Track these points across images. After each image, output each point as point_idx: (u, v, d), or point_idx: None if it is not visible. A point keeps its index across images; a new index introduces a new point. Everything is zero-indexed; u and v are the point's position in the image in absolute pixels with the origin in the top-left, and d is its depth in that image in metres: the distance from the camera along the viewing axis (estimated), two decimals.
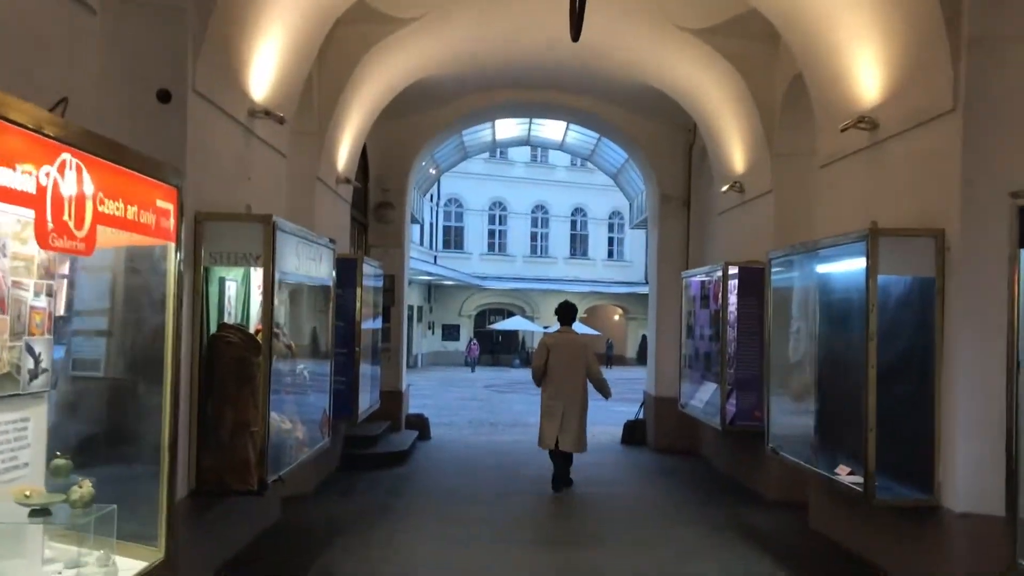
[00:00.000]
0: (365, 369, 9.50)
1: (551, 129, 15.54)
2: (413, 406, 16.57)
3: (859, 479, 6.00)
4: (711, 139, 10.65)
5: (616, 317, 51.42)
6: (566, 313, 10.00)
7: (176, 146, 5.21)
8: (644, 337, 50.93)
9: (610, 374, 34.58)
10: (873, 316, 5.64)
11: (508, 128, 15.65)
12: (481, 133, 15.45)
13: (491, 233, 49.08)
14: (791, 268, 7.65)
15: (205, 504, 5.72)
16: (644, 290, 49.77)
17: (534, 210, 49.64)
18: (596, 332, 46.07)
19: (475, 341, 43.25)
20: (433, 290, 45.94)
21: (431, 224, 45.84)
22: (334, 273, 7.51)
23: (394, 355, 12.58)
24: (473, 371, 38.82)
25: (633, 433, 13.52)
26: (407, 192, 12.86)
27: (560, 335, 9.91)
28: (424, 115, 12.57)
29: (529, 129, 15.60)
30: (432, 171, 17.13)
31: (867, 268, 5.66)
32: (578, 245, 50.83)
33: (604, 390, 9.98)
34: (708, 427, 10.72)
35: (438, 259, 45.01)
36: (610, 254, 51.52)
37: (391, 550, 6.88)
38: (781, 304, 7.83)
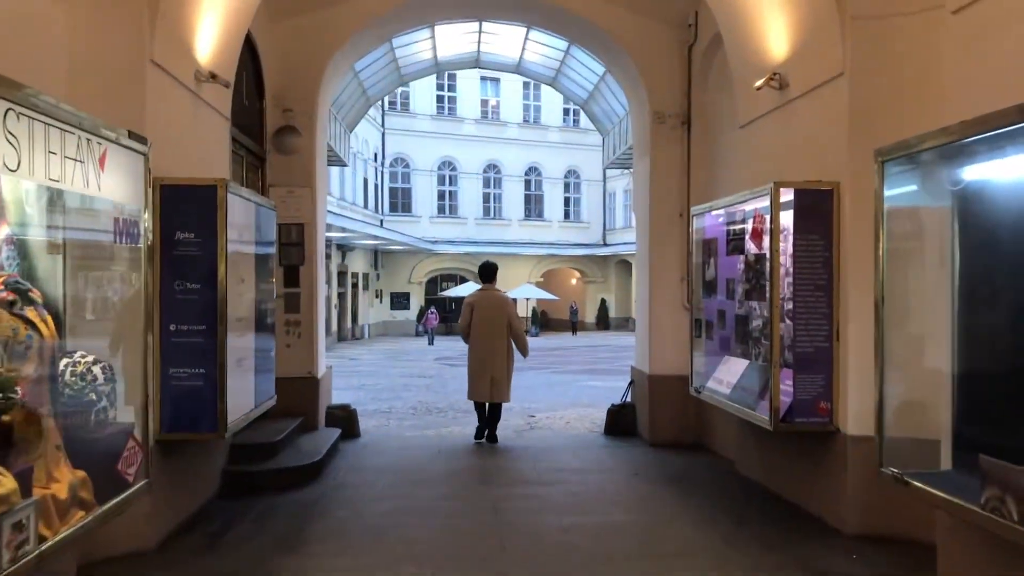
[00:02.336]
0: (242, 351, 6.40)
1: (506, 42, 12.40)
2: (345, 388, 13.60)
3: None
4: (731, 16, 7.64)
5: (574, 281, 48.79)
6: (487, 272, 10.50)
7: None
8: (603, 301, 48.40)
9: (574, 341, 31.74)
10: None
11: (452, 41, 12.46)
12: (417, 47, 12.26)
13: (441, 195, 45.97)
14: (916, 173, 4.69)
15: None
16: (603, 252, 47.51)
17: (486, 170, 46.65)
18: (553, 296, 43.34)
19: (433, 311, 39.84)
20: (380, 256, 42.72)
21: (376, 186, 42.60)
22: (148, 197, 4.36)
23: (307, 330, 9.47)
24: (431, 343, 35.55)
25: (620, 421, 10.59)
26: (317, 115, 9.67)
27: (483, 293, 10.34)
28: (336, 8, 9.39)
29: (479, 42, 12.43)
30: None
31: None
32: (533, 206, 48.01)
33: (522, 346, 10.27)
34: (730, 417, 7.83)
35: (385, 223, 41.77)
36: (566, 215, 48.87)
37: None
38: (899, 235, 4.87)
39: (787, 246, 6.21)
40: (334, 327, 34.88)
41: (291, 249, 9.23)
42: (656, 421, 9.88)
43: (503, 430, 10.55)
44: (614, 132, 13.68)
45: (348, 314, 37.45)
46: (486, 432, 10.04)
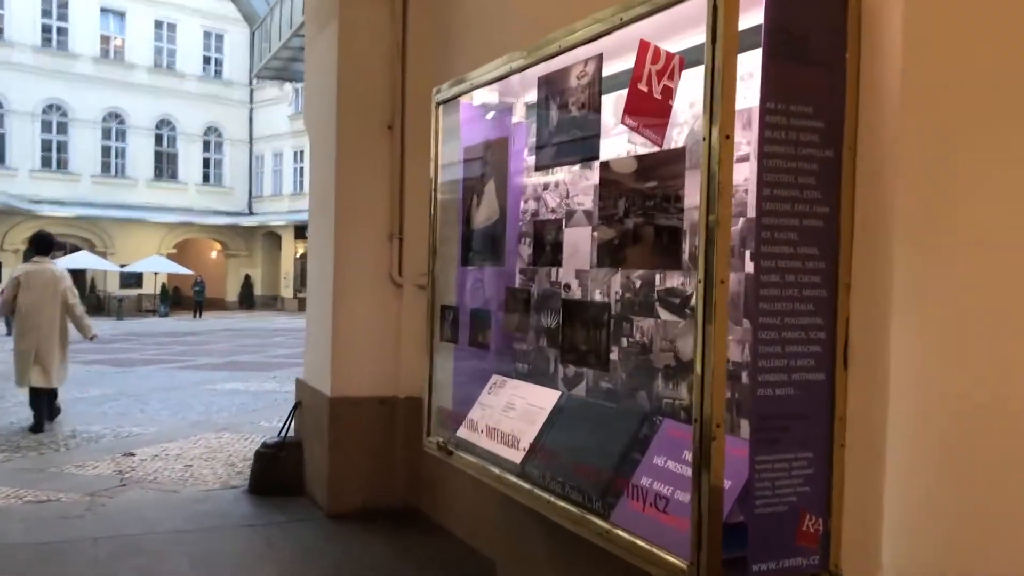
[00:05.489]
0: None
1: None
2: None
3: None
4: None
5: (214, 254, 43.01)
6: (40, 243, 9.57)
7: None
8: (247, 277, 42.78)
9: (207, 323, 26.51)
10: None
11: None
12: None
13: (46, 144, 37.92)
14: None
15: None
16: (248, 222, 41.86)
17: (106, 118, 39.37)
18: (188, 271, 37.30)
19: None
20: None
21: None
22: None
23: None
24: (10, 332, 27.82)
25: (276, 472, 6.41)
26: None
27: (33, 267, 9.33)
28: None
29: None
30: None
31: None
32: (165, 165, 41.42)
33: (82, 327, 9.41)
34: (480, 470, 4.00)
35: None
36: (206, 178, 42.93)
37: None
38: None
39: (756, 114, 2.50)
40: None
41: None
42: (341, 473, 5.87)
43: (70, 491, 6.15)
44: (270, 19, 9.27)
45: None
46: (44, 417, 9.03)
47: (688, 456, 2.84)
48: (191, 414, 10.34)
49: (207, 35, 41.96)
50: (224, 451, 7.98)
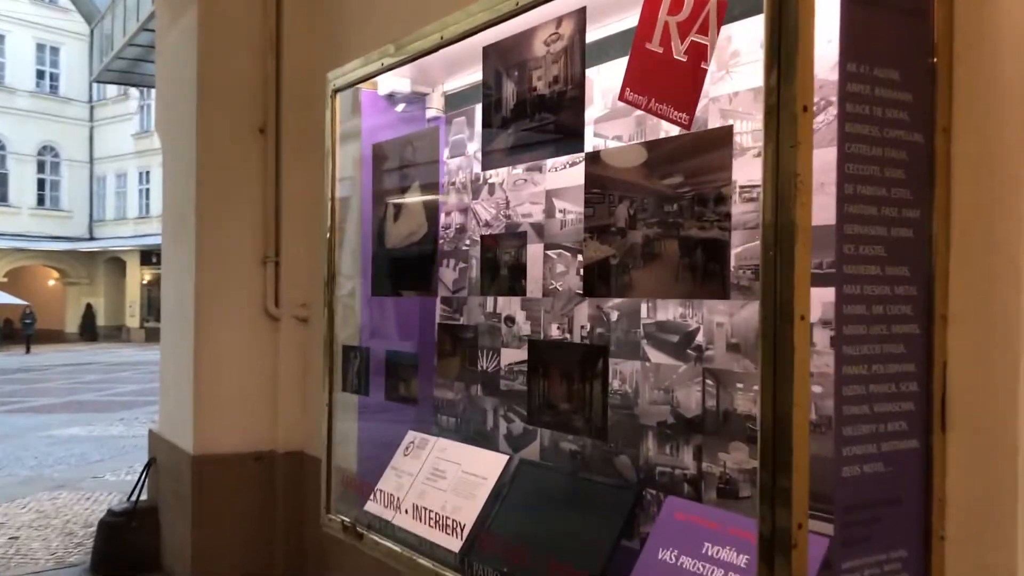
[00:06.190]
0: None
1: None
2: None
3: None
4: None
5: (51, 282, 39.85)
6: None
7: None
8: (89, 307, 39.85)
9: (34, 359, 24.32)
10: None
11: None
12: None
13: None
14: None
15: None
16: (89, 247, 39.10)
17: None
18: (19, 301, 34.28)
19: None
20: None
21: None
22: None
23: None
24: None
25: (124, 546, 5.33)
26: None
27: None
28: None
29: None
30: None
31: None
32: None
33: None
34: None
35: None
36: (41, 201, 39.81)
37: None
38: None
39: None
40: None
41: None
42: (207, 545, 4.86)
43: None
44: (111, 14, 8.12)
45: None
46: None
47: (711, 550, 2.13)
48: (20, 469, 8.91)
49: (40, 48, 39.09)
50: (60, 516, 6.74)
